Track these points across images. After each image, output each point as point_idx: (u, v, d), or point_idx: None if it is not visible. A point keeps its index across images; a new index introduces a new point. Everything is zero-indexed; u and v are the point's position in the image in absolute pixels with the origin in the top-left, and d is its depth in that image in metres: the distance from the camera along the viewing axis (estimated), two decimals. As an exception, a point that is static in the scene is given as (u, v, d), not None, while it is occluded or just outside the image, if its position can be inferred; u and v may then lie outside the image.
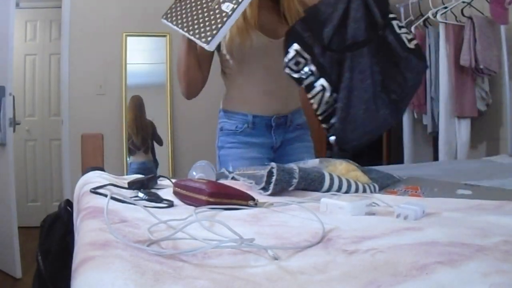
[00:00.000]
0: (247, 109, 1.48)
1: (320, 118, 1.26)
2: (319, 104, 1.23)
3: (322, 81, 1.20)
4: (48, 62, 4.19)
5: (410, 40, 1.24)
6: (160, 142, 3.43)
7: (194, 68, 1.39)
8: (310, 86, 1.22)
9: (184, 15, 1.25)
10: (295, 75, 1.23)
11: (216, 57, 1.50)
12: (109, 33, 3.38)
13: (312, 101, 1.24)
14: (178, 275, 0.46)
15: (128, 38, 3.40)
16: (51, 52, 4.15)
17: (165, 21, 1.28)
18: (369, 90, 1.21)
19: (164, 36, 3.44)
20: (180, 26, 1.23)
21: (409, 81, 1.24)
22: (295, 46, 1.21)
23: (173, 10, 1.29)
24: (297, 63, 1.22)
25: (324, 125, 1.26)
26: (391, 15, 1.27)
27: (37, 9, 4.11)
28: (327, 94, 1.21)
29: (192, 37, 1.19)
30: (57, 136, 3.86)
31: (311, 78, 1.21)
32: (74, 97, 3.35)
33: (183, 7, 1.26)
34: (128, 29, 3.40)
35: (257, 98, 1.46)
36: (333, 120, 1.22)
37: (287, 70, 1.23)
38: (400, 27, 1.25)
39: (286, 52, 1.22)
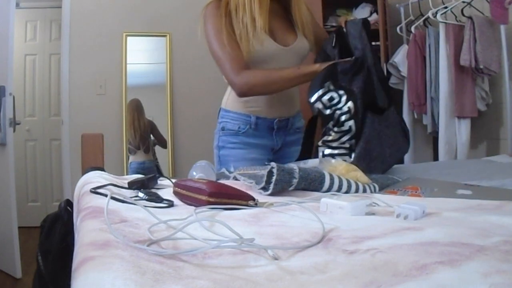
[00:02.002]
0: (251, 110, 1.48)
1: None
2: (336, 140, 1.26)
3: (351, 123, 1.22)
4: (48, 62, 4.19)
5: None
6: (163, 145, 3.42)
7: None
8: (340, 123, 1.23)
9: None
10: (327, 112, 1.24)
11: None
12: (109, 33, 3.38)
13: (332, 133, 1.26)
14: (178, 275, 0.46)
15: (128, 38, 3.40)
16: (51, 52, 4.15)
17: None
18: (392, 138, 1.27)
19: (164, 36, 3.44)
20: None
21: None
22: (328, 83, 1.24)
23: None
24: (331, 99, 1.23)
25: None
26: None
27: (37, 9, 4.11)
28: (347, 137, 1.23)
29: None
30: (57, 136, 3.86)
31: (346, 116, 1.22)
32: (74, 97, 3.35)
33: None
34: (128, 29, 3.40)
35: (262, 101, 1.45)
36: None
37: (318, 105, 1.24)
38: None
39: (319, 87, 1.24)
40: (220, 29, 1.38)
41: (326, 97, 1.23)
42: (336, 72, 1.26)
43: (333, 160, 1.14)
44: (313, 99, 1.24)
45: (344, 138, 1.24)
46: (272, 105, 1.47)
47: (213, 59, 1.44)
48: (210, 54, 1.44)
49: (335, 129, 1.24)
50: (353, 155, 1.23)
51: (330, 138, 1.26)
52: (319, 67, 1.31)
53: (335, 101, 1.23)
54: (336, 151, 1.25)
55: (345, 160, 1.21)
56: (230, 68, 1.37)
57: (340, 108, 1.22)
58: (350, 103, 1.21)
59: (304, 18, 1.47)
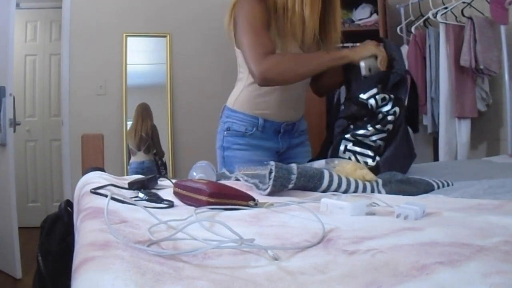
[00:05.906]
0: (260, 113, 1.45)
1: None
2: (368, 136, 1.29)
3: (390, 126, 1.27)
4: (48, 62, 4.19)
5: None
6: (160, 155, 3.42)
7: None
8: (384, 122, 1.27)
9: None
10: (377, 110, 1.27)
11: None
12: (109, 33, 3.38)
13: (370, 127, 1.29)
14: (178, 276, 0.46)
15: (128, 38, 3.40)
16: (51, 53, 4.15)
17: None
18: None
19: (164, 36, 3.44)
20: None
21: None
22: (380, 86, 1.29)
23: None
24: (384, 99, 1.27)
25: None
26: None
27: (37, 10, 4.11)
28: (380, 136, 1.27)
29: None
30: (58, 137, 3.87)
31: (392, 117, 1.26)
32: (74, 97, 3.36)
33: None
34: (128, 29, 3.40)
35: (272, 105, 1.44)
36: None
37: (372, 101, 1.27)
38: None
39: (374, 86, 1.27)
40: (255, 19, 1.30)
41: (380, 96, 1.27)
42: (388, 79, 1.31)
43: (336, 161, 1.14)
44: (366, 95, 1.27)
45: (376, 137, 1.27)
46: (282, 108, 1.45)
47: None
48: (236, 45, 1.40)
49: (377, 126, 1.26)
50: (377, 158, 1.25)
51: (363, 132, 1.27)
52: (349, 52, 1.33)
53: (385, 102, 1.28)
54: (359, 149, 1.27)
55: (366, 162, 1.24)
56: (255, 54, 1.27)
57: (387, 111, 1.27)
58: (397, 108, 1.27)
59: (337, 35, 1.45)
